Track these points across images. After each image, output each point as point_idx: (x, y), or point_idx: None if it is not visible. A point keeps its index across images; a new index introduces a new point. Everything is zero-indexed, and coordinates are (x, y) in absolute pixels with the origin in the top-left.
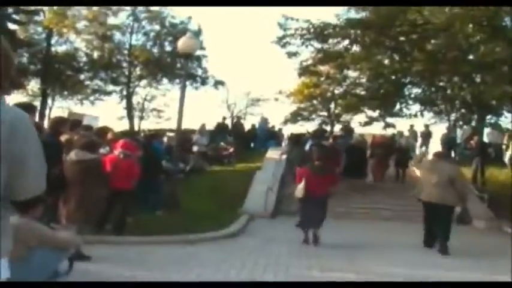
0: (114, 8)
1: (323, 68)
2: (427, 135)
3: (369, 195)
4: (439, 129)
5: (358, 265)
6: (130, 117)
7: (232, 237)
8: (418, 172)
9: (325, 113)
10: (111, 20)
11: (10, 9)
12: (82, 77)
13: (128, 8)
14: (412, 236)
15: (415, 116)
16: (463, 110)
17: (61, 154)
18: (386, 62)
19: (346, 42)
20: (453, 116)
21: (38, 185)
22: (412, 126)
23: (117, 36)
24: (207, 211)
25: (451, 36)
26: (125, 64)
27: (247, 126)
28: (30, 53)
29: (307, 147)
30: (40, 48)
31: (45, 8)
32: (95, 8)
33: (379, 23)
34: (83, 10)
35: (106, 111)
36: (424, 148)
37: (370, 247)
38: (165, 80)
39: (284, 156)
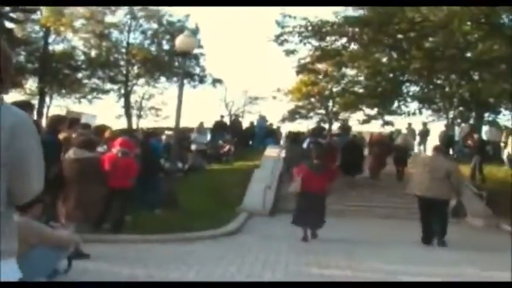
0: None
1: (321, 66)
2: (424, 133)
3: (366, 193)
4: (437, 127)
5: (357, 262)
6: (128, 115)
7: (230, 235)
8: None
9: (323, 111)
10: (109, 19)
11: (7, 8)
12: (80, 75)
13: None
14: (410, 233)
15: (413, 114)
16: (461, 108)
17: (59, 153)
18: (384, 60)
19: (344, 40)
20: (451, 114)
21: (38, 186)
22: (410, 124)
23: (115, 34)
24: (205, 209)
25: (449, 34)
26: (122, 63)
27: (245, 124)
28: (27, 51)
29: (305, 145)
30: (37, 46)
31: (42, 7)
32: (92, 7)
33: (377, 21)
34: (80, 8)
35: (104, 110)
36: (422, 146)
37: (368, 244)
38: (162, 79)
39: (282, 154)
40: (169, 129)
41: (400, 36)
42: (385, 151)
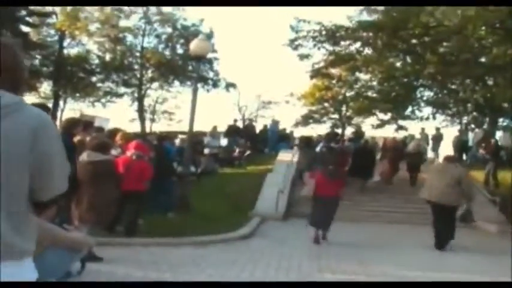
0: (126, 10)
1: (335, 71)
2: (438, 138)
3: (379, 198)
4: (451, 132)
5: (369, 267)
6: (142, 119)
7: (243, 239)
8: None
9: (336, 116)
10: (123, 23)
11: (23, 12)
12: (94, 79)
13: (140, 10)
14: (423, 239)
15: (427, 119)
16: (475, 113)
17: (74, 155)
18: (398, 64)
19: (358, 44)
20: (465, 119)
21: (63, 185)
22: (423, 129)
23: (129, 38)
24: (218, 213)
25: (463, 39)
26: (136, 66)
27: (258, 128)
28: (42, 55)
29: (317, 149)
30: (52, 50)
31: (58, 10)
32: (107, 11)
33: (391, 26)
34: (95, 13)
35: (117, 114)
36: (435, 151)
37: (380, 249)
38: (176, 83)
39: (295, 159)
40: (182, 133)
41: (414, 41)
42: (398, 156)
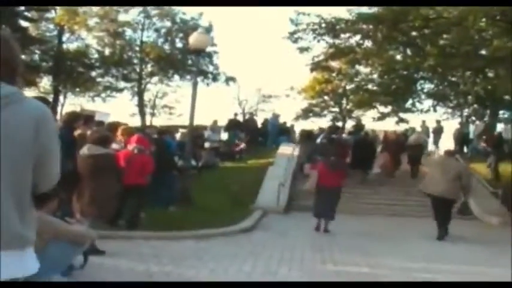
0: None
1: (335, 64)
2: (438, 131)
3: (380, 190)
4: (452, 125)
5: (372, 259)
6: (142, 113)
7: (245, 233)
8: (427, 167)
9: (336, 109)
10: (122, 17)
11: (22, 7)
12: (93, 73)
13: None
14: (425, 231)
15: (428, 111)
16: (475, 105)
17: (74, 149)
18: (398, 57)
19: (358, 37)
20: (466, 112)
21: (57, 176)
22: (424, 122)
23: (128, 33)
24: (219, 207)
25: (463, 31)
26: (136, 61)
27: (259, 122)
28: (41, 50)
29: (318, 141)
30: (52, 45)
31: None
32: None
33: (391, 18)
34: (94, 7)
35: (117, 108)
36: (435, 144)
37: (382, 241)
38: (176, 77)
39: (296, 152)
40: (182, 127)
41: (414, 33)
42: (400, 149)
